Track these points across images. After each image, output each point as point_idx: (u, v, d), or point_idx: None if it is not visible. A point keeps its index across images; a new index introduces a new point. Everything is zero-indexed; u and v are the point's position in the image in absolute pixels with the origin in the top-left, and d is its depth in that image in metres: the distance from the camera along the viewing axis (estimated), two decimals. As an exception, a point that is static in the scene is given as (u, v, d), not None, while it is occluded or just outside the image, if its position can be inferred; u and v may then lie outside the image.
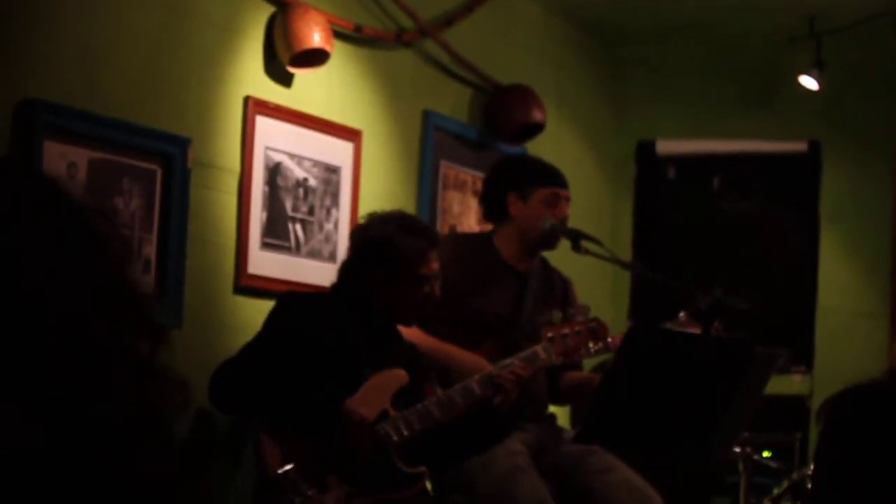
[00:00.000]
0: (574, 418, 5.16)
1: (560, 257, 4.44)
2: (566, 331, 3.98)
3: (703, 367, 3.47)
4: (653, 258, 6.20)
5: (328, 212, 4.62)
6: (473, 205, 5.29)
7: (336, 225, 4.64)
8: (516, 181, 4.23)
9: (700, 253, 6.29)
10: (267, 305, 3.85)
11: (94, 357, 0.80)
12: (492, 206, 4.29)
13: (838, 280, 6.15)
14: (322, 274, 4.35)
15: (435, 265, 3.75)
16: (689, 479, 4.11)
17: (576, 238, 4.09)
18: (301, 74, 4.45)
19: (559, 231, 4.16)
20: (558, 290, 4.36)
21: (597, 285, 5.81)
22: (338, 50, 4.53)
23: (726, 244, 6.29)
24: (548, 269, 4.37)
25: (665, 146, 6.45)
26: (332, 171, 4.64)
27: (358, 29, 4.72)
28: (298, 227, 4.50)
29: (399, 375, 3.64)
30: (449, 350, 3.98)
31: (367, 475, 3.56)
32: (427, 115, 5.13)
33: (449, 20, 5.16)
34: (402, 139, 5.02)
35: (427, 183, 5.13)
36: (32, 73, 3.61)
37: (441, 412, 3.67)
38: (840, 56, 5.83)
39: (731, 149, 6.39)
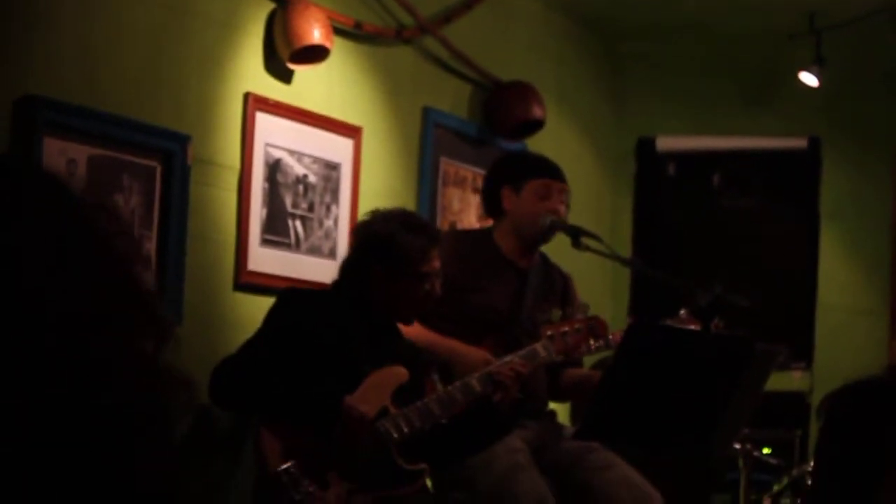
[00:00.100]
0: (574, 415, 5.16)
1: (560, 254, 4.44)
2: (566, 329, 3.98)
3: (703, 363, 3.47)
4: (653, 255, 6.20)
5: (328, 208, 4.62)
6: (473, 201, 5.29)
7: (336, 221, 4.64)
8: (509, 175, 4.24)
9: (700, 250, 6.29)
10: (267, 302, 3.85)
11: (95, 354, 0.80)
12: (489, 202, 4.30)
13: (838, 277, 6.15)
14: (322, 270, 4.34)
15: (436, 263, 3.75)
16: (689, 476, 4.12)
17: (576, 234, 4.08)
18: (301, 71, 4.45)
19: (559, 227, 4.15)
20: (558, 286, 4.35)
21: (597, 282, 5.81)
22: (338, 46, 4.53)
23: (726, 241, 6.29)
24: (548, 265, 4.37)
25: (665, 143, 6.45)
26: (332, 167, 4.64)
27: (358, 25, 4.72)
28: (298, 223, 4.50)
29: (399, 373, 3.64)
30: (452, 345, 3.98)
31: (368, 472, 3.56)
32: (427, 112, 5.13)
33: (448, 17, 5.16)
34: (402, 136, 5.02)
35: (427, 179, 5.13)
36: (32, 70, 3.61)
37: (441, 409, 3.67)
38: (840, 52, 5.83)
39: (731, 145, 6.38)
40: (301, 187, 4.50)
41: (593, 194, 6.10)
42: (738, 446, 4.41)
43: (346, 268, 3.83)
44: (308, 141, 4.52)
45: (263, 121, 4.32)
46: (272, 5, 4.36)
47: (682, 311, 4.13)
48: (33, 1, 3.63)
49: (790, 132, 6.27)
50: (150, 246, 3.93)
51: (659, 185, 6.47)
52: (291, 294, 3.81)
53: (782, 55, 6.05)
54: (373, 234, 3.74)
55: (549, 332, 3.94)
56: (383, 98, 4.91)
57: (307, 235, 4.53)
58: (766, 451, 4.69)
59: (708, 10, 5.93)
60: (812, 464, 3.01)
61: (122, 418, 0.80)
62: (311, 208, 4.54)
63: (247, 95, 4.26)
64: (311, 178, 4.55)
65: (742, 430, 4.18)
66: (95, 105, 3.75)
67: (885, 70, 6.07)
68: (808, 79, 5.86)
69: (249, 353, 3.61)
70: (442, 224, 5.15)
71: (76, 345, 0.79)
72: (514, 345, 3.96)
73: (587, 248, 4.05)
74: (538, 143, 5.37)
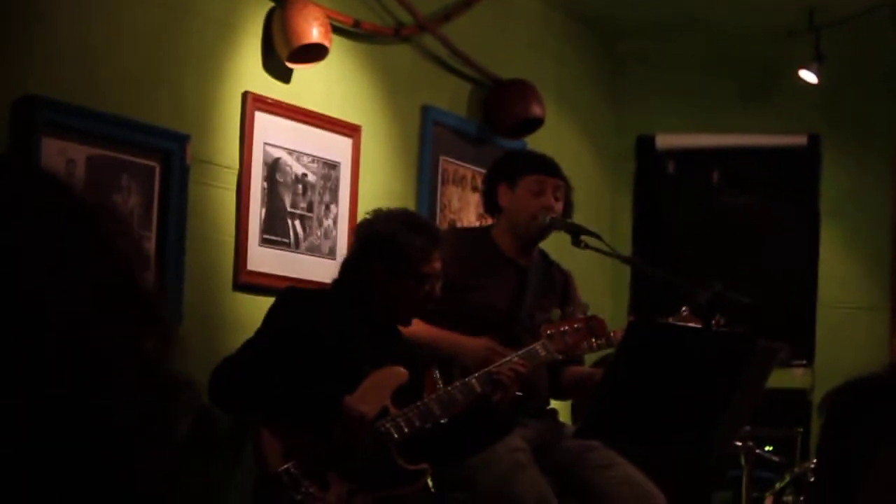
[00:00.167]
0: (575, 414, 5.16)
1: (560, 252, 4.43)
2: (565, 328, 3.98)
3: (705, 361, 3.46)
4: (652, 253, 6.20)
5: (327, 208, 4.61)
6: (473, 200, 5.29)
7: (335, 221, 4.63)
8: (505, 172, 4.24)
9: (700, 248, 6.28)
10: (266, 302, 3.85)
11: (95, 355, 0.79)
12: (487, 200, 4.30)
13: (838, 274, 6.15)
14: (322, 270, 4.34)
15: (437, 265, 3.74)
16: (690, 474, 4.11)
17: (576, 233, 4.08)
18: (300, 70, 4.44)
19: (558, 226, 4.15)
20: (559, 283, 4.35)
21: (597, 280, 5.81)
22: (336, 45, 4.52)
23: (726, 239, 6.29)
24: (548, 262, 4.36)
25: (664, 141, 6.44)
26: (332, 166, 4.63)
27: (356, 24, 4.71)
28: (298, 223, 4.49)
29: (399, 373, 3.64)
30: (453, 337, 3.98)
31: (368, 472, 3.55)
32: (426, 110, 5.12)
33: (447, 15, 5.16)
34: (401, 134, 5.01)
35: (426, 178, 5.12)
36: (31, 70, 3.60)
37: (441, 409, 3.66)
38: (839, 49, 5.82)
39: (730, 143, 6.38)
40: (300, 186, 4.50)
41: (593, 192, 6.10)
42: (739, 444, 4.41)
43: (347, 266, 3.83)
44: (307, 140, 4.51)
45: (262, 120, 4.32)
46: (271, 4, 4.36)
47: (684, 309, 4.13)
48: (32, 1, 3.62)
49: (790, 129, 6.27)
50: (150, 246, 3.92)
51: (659, 183, 6.46)
52: (291, 294, 3.80)
53: (782, 52, 6.04)
54: (375, 232, 3.74)
55: (548, 332, 3.94)
56: (382, 97, 4.90)
57: (306, 235, 4.52)
58: (767, 448, 4.69)
59: (707, 8, 5.92)
60: (814, 461, 3.01)
61: (122, 419, 0.80)
62: (310, 208, 4.54)
63: (245, 95, 4.26)
64: (311, 178, 4.54)
65: (743, 427, 4.18)
66: (94, 105, 3.75)
67: (884, 67, 6.07)
68: (808, 76, 5.85)
69: (249, 353, 3.61)
70: (441, 223, 5.14)
71: (76, 345, 0.78)
72: (514, 342, 3.96)
73: (587, 247, 4.04)
74: (538, 142, 5.36)
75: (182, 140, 4.01)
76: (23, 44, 3.58)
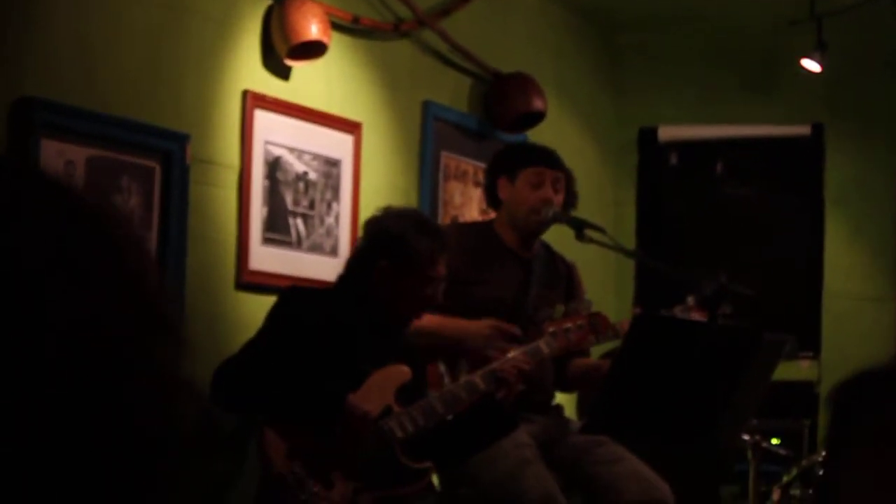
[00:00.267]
0: (580, 409, 5.14)
1: (563, 246, 4.42)
2: (568, 325, 3.96)
3: (711, 354, 3.45)
4: (657, 245, 6.18)
5: (329, 205, 4.60)
6: (475, 195, 5.28)
7: (337, 219, 4.62)
8: (505, 165, 4.22)
9: (704, 239, 6.27)
10: (269, 301, 3.83)
11: (96, 357, 0.78)
12: (488, 193, 4.29)
13: (844, 264, 6.13)
14: (324, 268, 4.33)
15: (442, 269, 3.73)
16: (697, 468, 4.10)
17: (579, 227, 4.06)
18: (299, 67, 4.43)
19: (561, 220, 4.13)
20: (562, 274, 4.34)
21: (601, 274, 5.80)
22: (336, 42, 4.51)
23: (731, 230, 6.27)
24: (551, 254, 4.35)
25: (667, 133, 6.42)
26: (333, 164, 4.62)
27: (355, 20, 4.70)
28: (299, 221, 4.48)
29: (402, 371, 3.63)
30: (459, 323, 3.96)
31: (372, 471, 3.54)
32: (427, 106, 5.11)
33: (446, 9, 5.14)
34: (402, 130, 5.00)
35: (428, 174, 5.11)
36: (30, 71, 3.59)
37: (445, 407, 3.65)
38: (841, 38, 5.80)
39: (733, 134, 6.36)
40: (301, 185, 4.49)
41: (595, 186, 6.08)
42: (746, 437, 4.39)
43: (352, 262, 3.82)
44: (307, 138, 4.50)
45: (262, 118, 4.31)
46: (269, 2, 4.35)
47: (690, 298, 4.11)
48: (30, 1, 3.61)
49: (793, 119, 6.25)
50: (150, 247, 3.91)
51: (661, 176, 6.45)
52: (293, 293, 3.79)
53: (783, 42, 6.02)
54: (384, 229, 3.72)
55: (551, 329, 3.92)
56: (382, 93, 4.89)
57: (308, 233, 4.51)
58: (774, 441, 4.67)
59: (707, -1, 5.91)
60: (822, 454, 3.00)
61: (125, 420, 0.79)
62: (311, 206, 4.52)
63: (245, 93, 4.25)
64: (312, 176, 4.53)
65: (750, 420, 4.16)
66: (93, 106, 3.74)
67: (887, 55, 6.04)
68: (810, 65, 5.83)
69: (251, 353, 3.59)
70: (444, 219, 5.13)
71: (77, 345, 0.77)
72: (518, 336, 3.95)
73: (591, 241, 4.03)
74: (539, 136, 5.35)
75: (182, 140, 4.00)
76: (21, 44, 3.57)
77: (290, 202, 4.44)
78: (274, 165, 4.37)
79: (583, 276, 4.46)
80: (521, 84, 5.38)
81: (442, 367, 3.79)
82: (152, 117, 3.93)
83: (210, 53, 4.15)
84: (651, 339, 3.49)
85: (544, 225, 4.17)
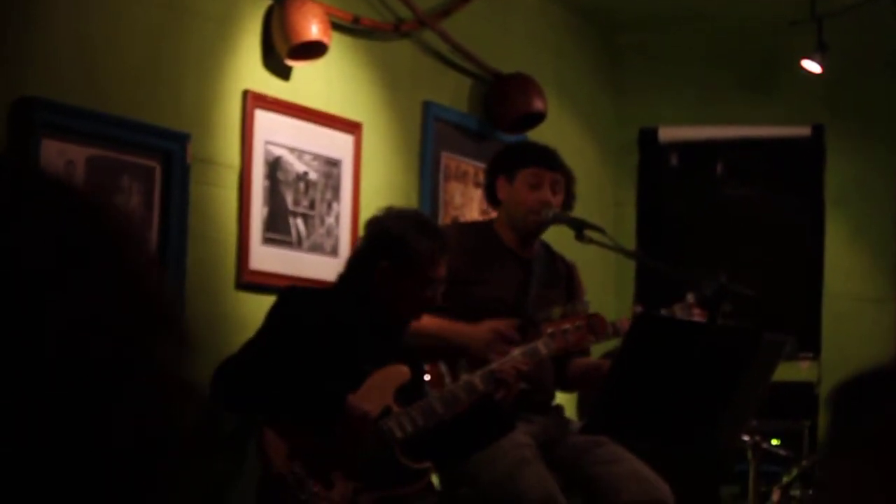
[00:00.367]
0: (580, 409, 5.14)
1: (562, 245, 4.42)
2: (566, 326, 3.96)
3: (711, 355, 3.45)
4: (657, 246, 6.18)
5: (329, 205, 4.60)
6: (475, 195, 5.28)
7: (337, 219, 4.62)
8: (504, 164, 4.23)
9: (704, 240, 6.27)
10: (269, 301, 3.83)
11: (97, 357, 0.78)
12: (487, 193, 4.29)
13: (844, 265, 6.13)
14: (324, 268, 4.33)
15: (442, 270, 3.73)
16: (698, 468, 4.10)
17: (579, 227, 4.06)
18: (299, 67, 4.43)
19: (561, 220, 4.14)
20: (563, 275, 4.34)
21: (601, 274, 5.79)
22: (336, 42, 4.51)
23: (731, 231, 6.27)
24: (551, 254, 4.35)
25: (667, 133, 6.43)
26: (333, 164, 4.62)
27: (356, 20, 4.70)
28: (300, 221, 4.48)
29: (402, 372, 3.63)
30: (459, 327, 3.97)
31: (372, 471, 3.55)
32: (427, 106, 5.11)
33: (447, 10, 5.14)
34: (403, 131, 5.00)
35: (428, 174, 5.11)
36: (30, 71, 3.59)
37: (444, 408, 3.65)
38: (842, 38, 5.79)
39: (734, 135, 6.36)
40: (302, 185, 4.49)
41: (596, 186, 6.08)
42: (746, 438, 4.40)
43: (353, 261, 3.82)
44: (308, 138, 4.50)
45: (263, 118, 4.31)
46: (269, 2, 4.35)
47: (689, 295, 4.11)
48: (31, 1, 3.61)
49: (793, 120, 6.25)
50: (151, 246, 3.91)
51: (662, 176, 6.45)
52: (293, 293, 3.79)
53: (784, 42, 6.02)
54: (385, 229, 3.72)
55: (549, 330, 3.92)
56: (383, 93, 4.89)
57: (309, 233, 4.51)
58: (774, 442, 4.68)
59: (707, -1, 5.91)
60: (823, 454, 2.99)
61: (123, 419, 0.79)
62: (312, 206, 4.53)
63: (245, 93, 4.25)
64: (312, 176, 4.53)
65: (750, 421, 4.17)
66: (93, 105, 3.74)
67: (887, 55, 6.04)
68: (811, 66, 5.83)
69: (251, 352, 3.60)
70: (444, 219, 5.13)
71: (78, 346, 0.77)
72: (519, 334, 3.95)
73: (591, 241, 4.03)
74: (539, 136, 5.34)
75: (182, 139, 4.00)
76: (21, 44, 3.57)
77: (291, 202, 4.44)
78: (274, 165, 4.37)
79: (583, 277, 4.46)
80: (521, 84, 5.38)
81: (443, 367, 3.80)
82: (153, 117, 3.93)
83: (210, 53, 4.15)
84: (651, 340, 3.49)
85: (543, 225, 4.18)
